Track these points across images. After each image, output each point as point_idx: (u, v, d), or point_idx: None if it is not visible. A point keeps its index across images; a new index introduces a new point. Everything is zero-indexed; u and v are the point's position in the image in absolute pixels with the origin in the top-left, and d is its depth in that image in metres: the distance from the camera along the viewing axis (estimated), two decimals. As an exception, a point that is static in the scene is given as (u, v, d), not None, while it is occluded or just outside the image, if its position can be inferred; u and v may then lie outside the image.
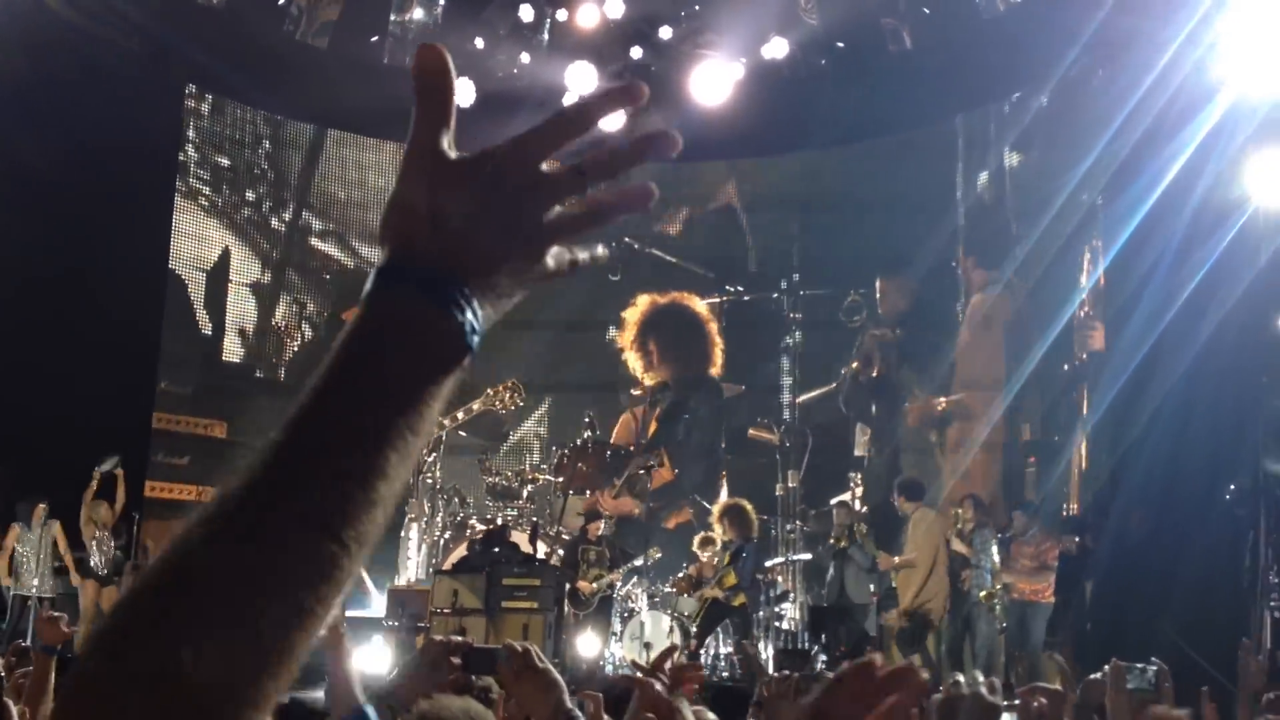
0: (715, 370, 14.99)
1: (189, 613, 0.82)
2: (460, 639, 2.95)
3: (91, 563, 12.21)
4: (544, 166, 1.02)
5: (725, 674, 11.52)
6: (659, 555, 12.56)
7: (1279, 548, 9.92)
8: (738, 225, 17.61)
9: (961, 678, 2.10)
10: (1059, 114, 14.25)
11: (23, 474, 12.19)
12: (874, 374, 15.68)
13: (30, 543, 11.99)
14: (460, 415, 14.36)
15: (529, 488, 14.09)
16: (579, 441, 14.43)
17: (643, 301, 14.87)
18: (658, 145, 1.07)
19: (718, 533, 12.26)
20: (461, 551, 12.71)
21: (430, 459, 14.48)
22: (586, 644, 11.65)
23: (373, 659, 12.07)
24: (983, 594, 11.78)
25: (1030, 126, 14.84)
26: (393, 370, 0.94)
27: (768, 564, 13.33)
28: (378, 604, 12.27)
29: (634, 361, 14.76)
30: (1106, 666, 4.26)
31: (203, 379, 15.54)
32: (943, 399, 15.25)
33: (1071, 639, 11.38)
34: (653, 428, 14.82)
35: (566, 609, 11.96)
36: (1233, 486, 10.45)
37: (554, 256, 1.03)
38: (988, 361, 15.33)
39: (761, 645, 12.41)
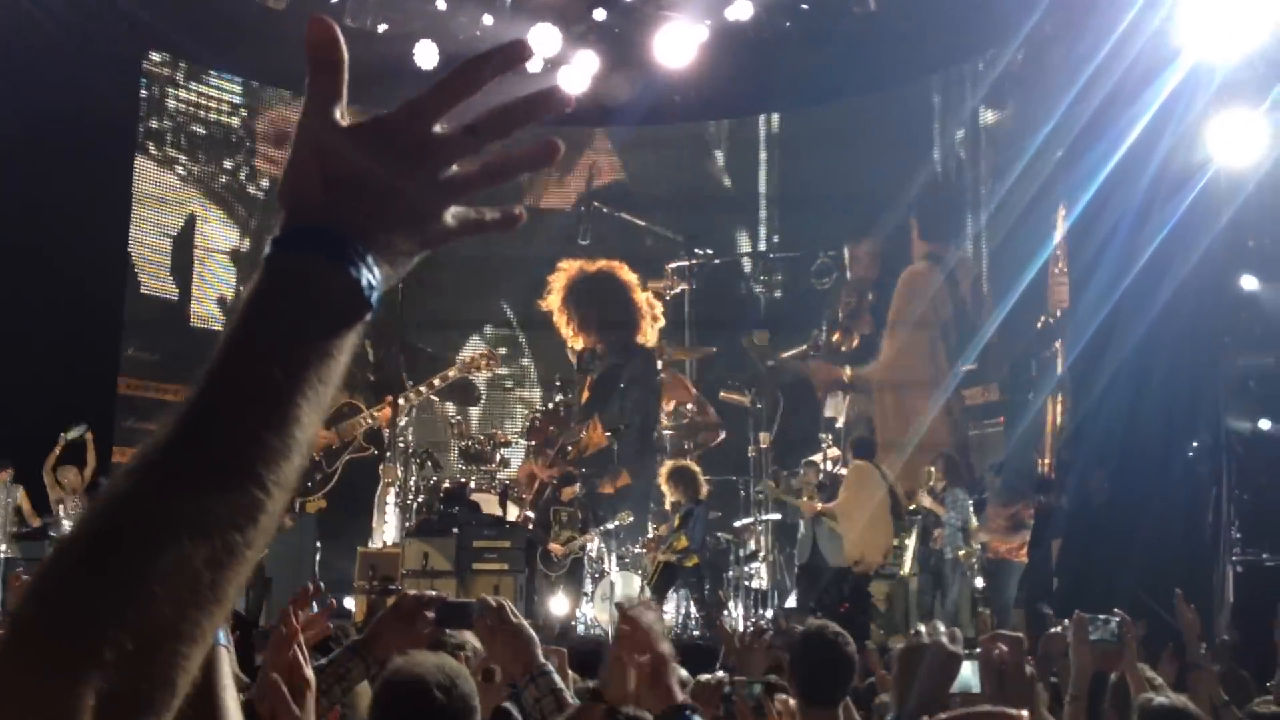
0: (642, 339, 15.03)
1: (124, 559, 0.86)
2: (434, 593, 2.98)
3: (59, 527, 12.16)
4: (436, 128, 1.06)
5: (695, 633, 11.63)
6: (631, 519, 12.64)
7: (1240, 503, 10.10)
8: (709, 186, 17.69)
9: (923, 628, 2.16)
10: (1029, 74, 14.34)
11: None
12: (854, 344, 15.90)
13: (-5, 507, 11.94)
14: (436, 382, 14.39)
15: (501, 451, 14.15)
16: (549, 405, 14.48)
17: (568, 268, 14.87)
18: (550, 102, 1.11)
19: (667, 495, 12.33)
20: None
21: (403, 423, 14.51)
22: (558, 604, 11.75)
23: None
24: (960, 553, 11.89)
25: (1001, 85, 14.92)
26: (297, 324, 0.99)
27: (737, 524, 13.43)
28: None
29: (561, 327, 14.81)
30: (1067, 620, 4.35)
31: (171, 345, 15.44)
32: (848, 370, 15.45)
33: (1039, 596, 11.54)
34: (585, 395, 14.87)
35: (538, 570, 12.07)
36: (1195, 444, 10.61)
37: (455, 216, 1.08)
38: (912, 336, 15.57)
39: (731, 605, 12.54)
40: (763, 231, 17.52)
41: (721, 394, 15.99)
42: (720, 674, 3.39)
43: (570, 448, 14.00)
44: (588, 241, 16.40)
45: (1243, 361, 10.58)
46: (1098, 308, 11.76)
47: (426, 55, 15.19)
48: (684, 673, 4.26)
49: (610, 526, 12.44)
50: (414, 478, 13.76)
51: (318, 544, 13.41)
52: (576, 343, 15.01)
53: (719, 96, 16.03)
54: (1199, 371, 10.79)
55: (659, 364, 15.00)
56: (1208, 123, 10.74)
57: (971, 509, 12.29)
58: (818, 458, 14.50)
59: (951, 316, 15.63)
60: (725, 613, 12.32)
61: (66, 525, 12.11)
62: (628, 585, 12.15)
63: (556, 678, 2.83)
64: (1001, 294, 14.26)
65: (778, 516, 13.74)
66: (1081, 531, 11.51)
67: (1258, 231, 10.72)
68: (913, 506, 12.52)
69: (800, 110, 16.88)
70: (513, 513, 12.66)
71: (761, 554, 13.35)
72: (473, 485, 13.24)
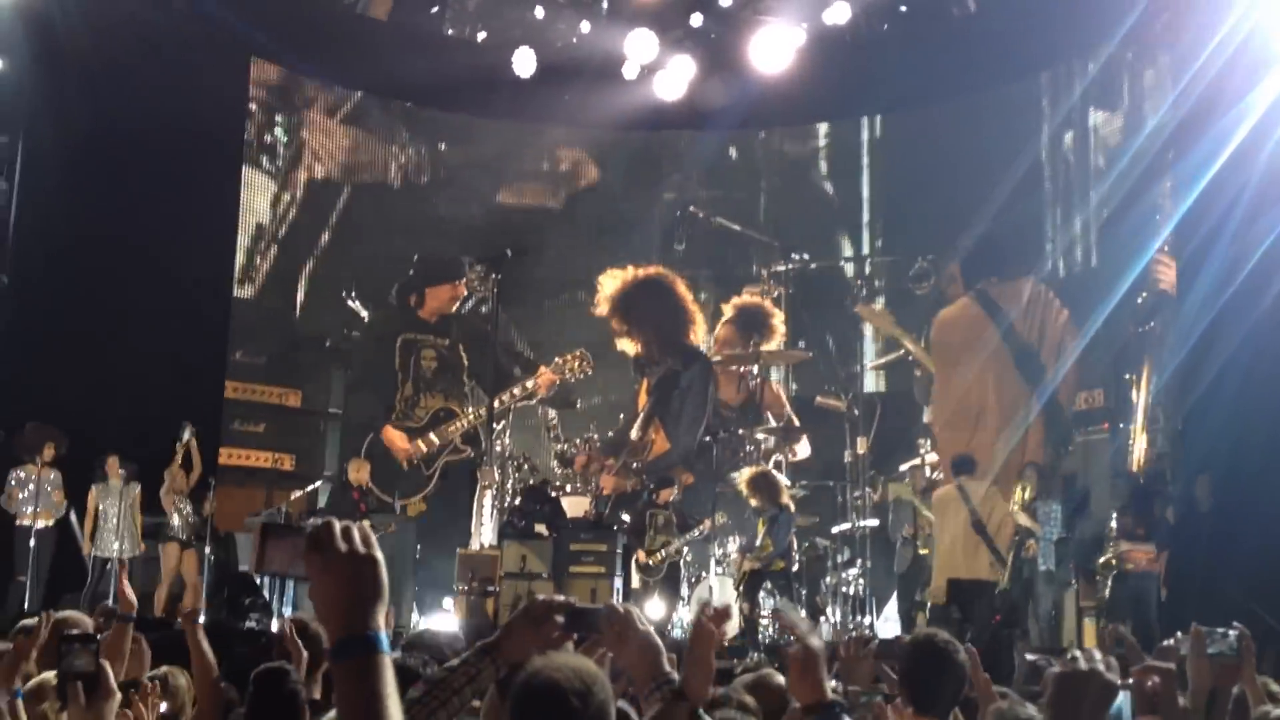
0: (695, 340, 15.00)
1: None
2: (563, 598, 3.04)
3: (172, 527, 12.49)
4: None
5: (771, 634, 11.62)
6: (724, 521, 12.63)
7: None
8: (809, 192, 17.62)
9: (1079, 653, 2.16)
10: (1136, 72, 14.13)
11: (99, 443, 12.47)
12: None
13: (111, 504, 12.27)
14: (529, 385, 14.54)
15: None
16: (580, 439, 14.54)
17: (618, 275, 14.88)
18: None
19: (750, 502, 12.25)
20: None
21: (500, 427, 14.69)
22: (654, 608, 11.78)
23: (443, 621, 12.32)
24: (1100, 561, 11.60)
25: (1109, 84, 14.68)
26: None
27: (835, 530, 13.36)
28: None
29: (615, 334, 14.86)
30: (1179, 633, 4.29)
31: (276, 348, 15.75)
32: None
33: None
34: (642, 399, 14.89)
35: (634, 573, 12.11)
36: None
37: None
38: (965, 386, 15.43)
39: (829, 610, 12.50)
40: (865, 237, 17.35)
41: (818, 399, 15.96)
42: (833, 683, 3.40)
43: (636, 464, 14.10)
44: (683, 247, 16.46)
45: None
46: (1203, 311, 11.57)
47: (525, 62, 15.33)
48: (781, 678, 4.27)
49: (704, 529, 12.43)
50: (510, 480, 13.92)
51: (418, 546, 13.62)
52: (631, 349, 15.07)
53: (816, 101, 15.95)
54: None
55: (710, 363, 15.00)
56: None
57: (1060, 518, 12.10)
58: (916, 462, 14.41)
59: (1003, 344, 15.39)
60: (824, 619, 12.30)
61: (176, 522, 12.44)
62: (724, 590, 12.16)
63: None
64: (1102, 296, 13.98)
65: (875, 523, 13.66)
66: (1188, 541, 11.30)
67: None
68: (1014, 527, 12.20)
69: (900, 113, 16.69)
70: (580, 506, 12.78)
71: (859, 563, 13.27)
72: (566, 489, 13.37)
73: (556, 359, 15.17)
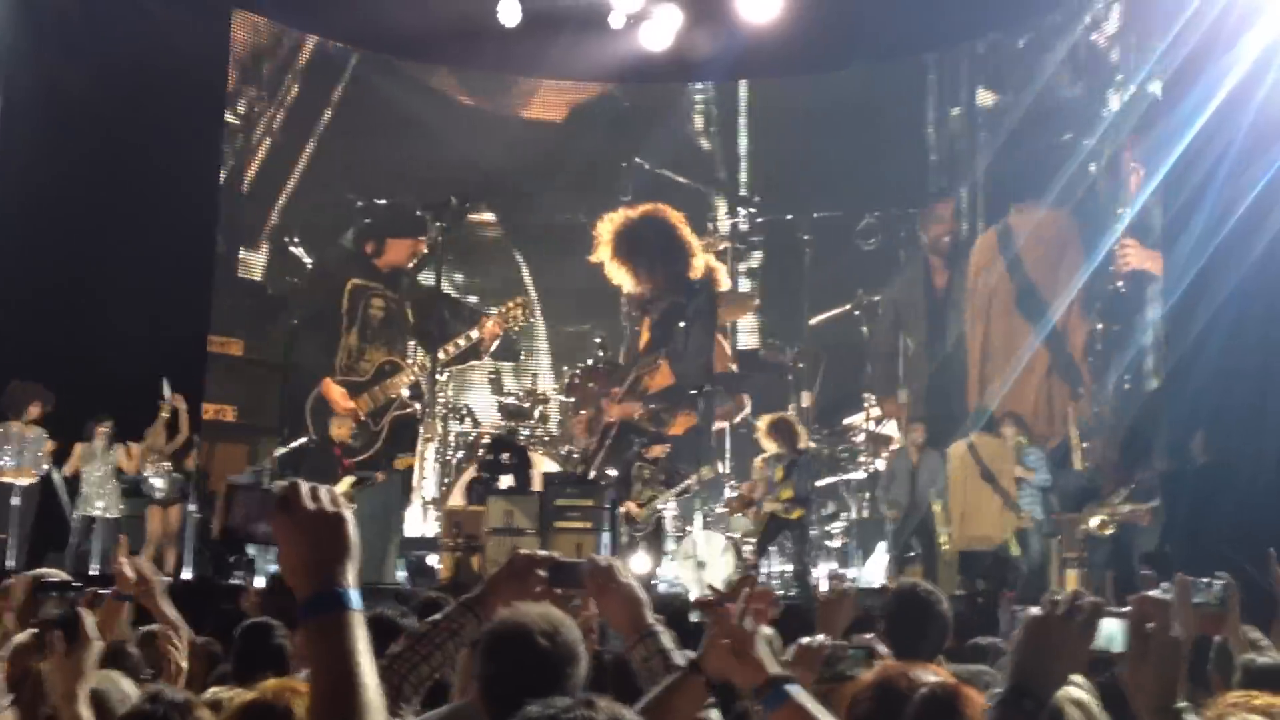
0: (695, 273, 14.94)
1: None
2: (546, 553, 3.03)
3: (150, 487, 12.42)
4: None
5: (782, 592, 11.64)
6: (711, 475, 12.64)
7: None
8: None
9: (1059, 596, 2.13)
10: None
11: (80, 401, 12.38)
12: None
13: (95, 463, 12.20)
14: (473, 334, 14.47)
15: (540, 407, 14.22)
16: (590, 361, 14.49)
17: (615, 216, 14.79)
18: None
19: (767, 448, 12.31)
20: (472, 472, 12.89)
21: (443, 377, 14.62)
22: (639, 563, 11.80)
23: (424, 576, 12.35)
24: (1096, 522, 11.62)
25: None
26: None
27: (818, 483, 13.38)
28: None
29: (616, 275, 14.76)
30: (1164, 583, 4.29)
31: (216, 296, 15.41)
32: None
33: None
34: (645, 336, 14.82)
35: (620, 528, 12.12)
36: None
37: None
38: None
39: (815, 562, 12.56)
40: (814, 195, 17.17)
41: (762, 352, 15.93)
42: (821, 637, 3.39)
43: (644, 379, 14.00)
44: (629, 198, 16.28)
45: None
46: (1191, 262, 11.55)
47: (510, 12, 15.15)
48: (768, 630, 4.26)
49: (690, 483, 12.42)
50: (452, 434, 13.90)
51: (409, 500, 13.59)
52: (634, 290, 14.96)
53: (805, 51, 15.77)
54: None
55: (714, 291, 14.90)
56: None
57: (1045, 465, 12.14)
58: (859, 418, 14.40)
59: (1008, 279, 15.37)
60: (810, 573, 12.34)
61: (157, 484, 12.36)
62: (710, 544, 12.18)
63: (665, 638, 2.85)
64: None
65: (861, 475, 13.69)
66: (1178, 493, 11.32)
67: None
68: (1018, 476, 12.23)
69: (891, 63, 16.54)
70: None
71: (842, 514, 13.31)
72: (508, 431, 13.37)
73: (498, 309, 15.07)
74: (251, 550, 11.64)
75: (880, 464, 13.74)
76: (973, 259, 15.84)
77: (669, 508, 12.48)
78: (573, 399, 14.23)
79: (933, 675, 2.36)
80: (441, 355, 14.09)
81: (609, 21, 15.39)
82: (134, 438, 12.42)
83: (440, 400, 14.65)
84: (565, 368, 15.22)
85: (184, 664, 3.98)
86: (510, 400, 14.24)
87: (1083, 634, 2.06)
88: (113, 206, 13.05)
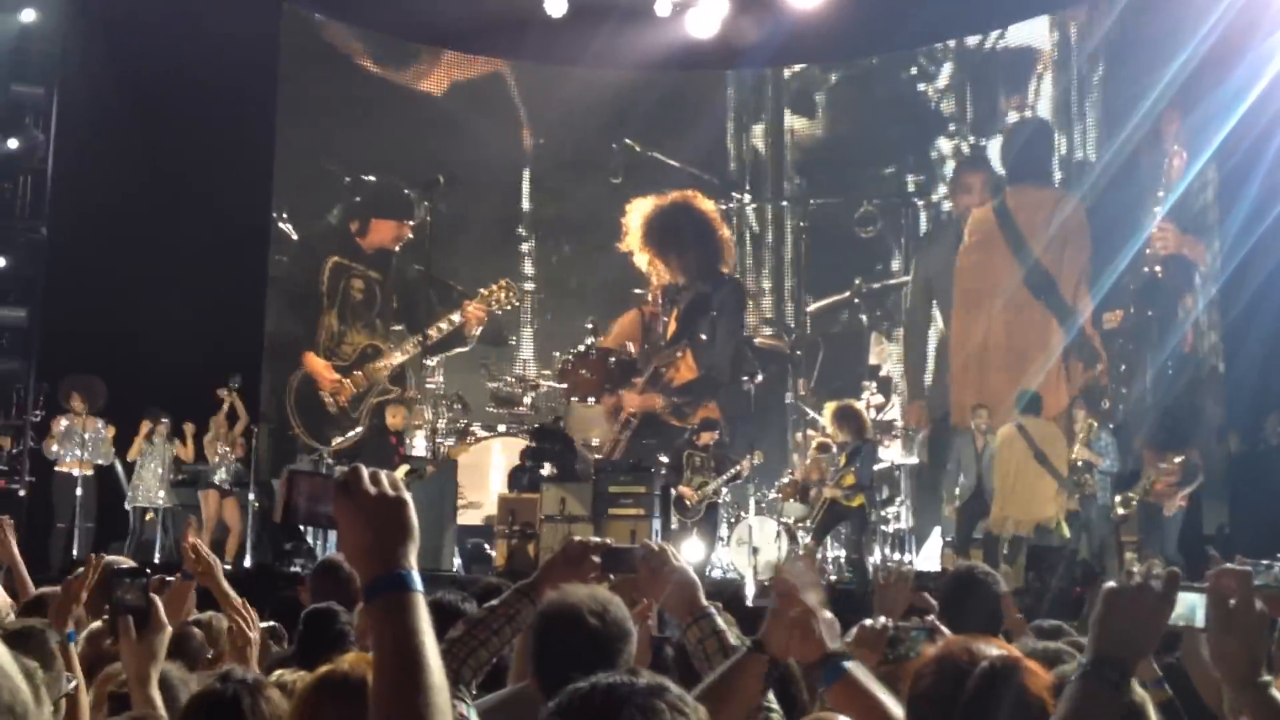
0: (727, 269, 14.81)
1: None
2: (599, 540, 3.06)
3: (216, 476, 12.61)
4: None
5: (835, 577, 11.62)
6: (761, 461, 12.62)
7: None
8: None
9: (1137, 569, 2.14)
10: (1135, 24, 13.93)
11: (142, 393, 12.56)
12: None
13: (152, 457, 12.39)
14: (456, 318, 14.40)
15: (531, 394, 14.20)
16: (582, 348, 14.41)
17: (645, 204, 14.63)
18: None
19: (832, 435, 12.25)
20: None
21: (433, 363, 14.55)
22: (693, 549, 11.83)
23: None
24: (1124, 497, 11.49)
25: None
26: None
27: (875, 468, 13.29)
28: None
29: (645, 263, 14.61)
30: (1227, 564, 4.26)
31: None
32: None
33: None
34: (672, 327, 14.71)
35: (673, 515, 12.15)
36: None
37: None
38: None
39: (872, 548, 12.51)
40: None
41: (757, 340, 15.82)
42: (884, 619, 3.40)
43: (665, 370, 13.94)
44: (619, 180, 16.08)
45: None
46: (1238, 245, 11.46)
47: (556, 3, 15.17)
48: (829, 615, 4.27)
49: (740, 469, 12.41)
50: (443, 419, 13.89)
51: (460, 489, 13.63)
52: (662, 276, 14.82)
53: (849, 38, 15.68)
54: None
55: (743, 288, 14.78)
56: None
57: (1115, 450, 12.02)
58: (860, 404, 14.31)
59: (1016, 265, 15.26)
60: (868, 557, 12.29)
61: (222, 474, 12.55)
62: (763, 530, 12.18)
63: (719, 619, 2.87)
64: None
65: (915, 460, 13.61)
66: (1248, 475, 11.25)
67: None
68: (1079, 462, 12.12)
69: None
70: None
71: (899, 499, 13.24)
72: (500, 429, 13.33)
73: (482, 290, 14.97)
74: (311, 539, 11.78)
75: (883, 451, 13.54)
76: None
77: (722, 493, 12.49)
78: (564, 385, 14.17)
79: (995, 649, 2.36)
80: (425, 339, 13.99)
81: (654, 9, 15.37)
82: (194, 428, 12.61)
83: (431, 386, 14.56)
84: (557, 353, 15.05)
85: (255, 637, 4.08)
86: (500, 386, 14.20)
87: (1160, 605, 2.06)
88: (167, 202, 13.15)
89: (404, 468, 12.36)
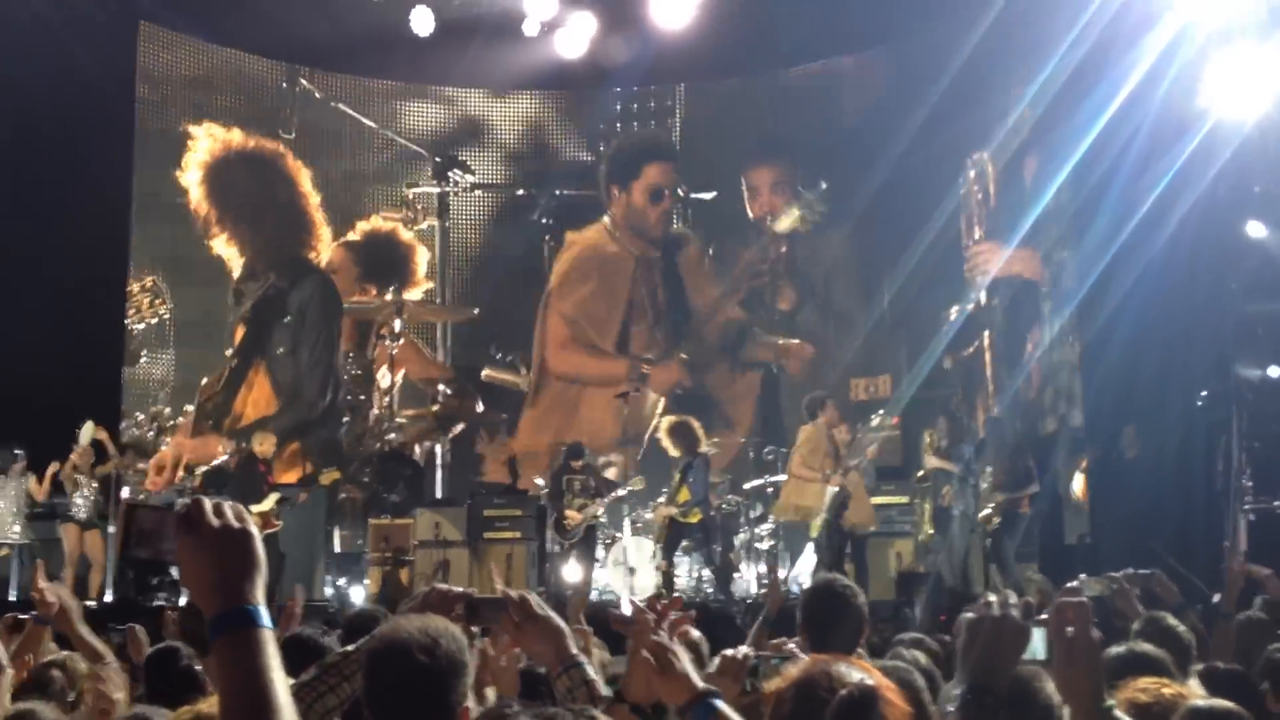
0: (315, 255, 14.34)
1: None
2: (460, 589, 3.00)
3: (74, 509, 12.20)
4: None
5: (705, 593, 11.65)
6: (641, 487, 12.57)
7: (1252, 451, 10.07)
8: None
9: (993, 598, 2.17)
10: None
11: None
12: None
13: (7, 494, 11.97)
14: None
15: (164, 438, 14.24)
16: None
17: (211, 133, 14.23)
18: None
19: (668, 450, 12.19)
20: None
21: None
22: (570, 572, 11.79)
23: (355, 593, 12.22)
24: (984, 514, 11.67)
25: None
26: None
27: (746, 485, 13.35)
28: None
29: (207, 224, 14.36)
30: (1083, 575, 4.38)
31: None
32: None
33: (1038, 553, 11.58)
34: (239, 332, 14.40)
35: (550, 538, 12.06)
36: (1204, 393, 10.58)
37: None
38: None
39: (743, 567, 12.57)
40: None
41: (485, 372, 14.89)
42: (744, 649, 3.39)
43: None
44: (293, 136, 14.79)
45: (1251, 308, 10.51)
46: (1096, 258, 11.76)
47: (423, 21, 15.05)
48: (696, 633, 4.26)
49: (621, 493, 12.39)
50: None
51: (330, 517, 13.41)
52: (227, 248, 13.76)
53: (719, 56, 15.82)
54: (1195, 317, 10.73)
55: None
56: (1207, 66, 10.62)
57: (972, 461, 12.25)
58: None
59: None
60: (737, 575, 12.34)
61: (79, 504, 12.14)
62: (640, 550, 12.18)
63: (589, 668, 2.83)
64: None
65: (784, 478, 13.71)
66: (1107, 486, 11.55)
67: (1265, 178, 10.62)
68: (920, 472, 12.37)
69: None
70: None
71: (771, 518, 13.33)
72: None
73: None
74: (175, 571, 11.45)
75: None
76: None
77: (599, 516, 12.46)
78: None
79: (857, 672, 2.36)
80: None
81: (523, 29, 15.33)
82: (56, 466, 12.20)
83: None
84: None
85: (119, 695, 3.97)
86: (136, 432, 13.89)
87: (1019, 632, 2.11)
88: (21, 232, 12.68)
89: (273, 496, 12.10)
